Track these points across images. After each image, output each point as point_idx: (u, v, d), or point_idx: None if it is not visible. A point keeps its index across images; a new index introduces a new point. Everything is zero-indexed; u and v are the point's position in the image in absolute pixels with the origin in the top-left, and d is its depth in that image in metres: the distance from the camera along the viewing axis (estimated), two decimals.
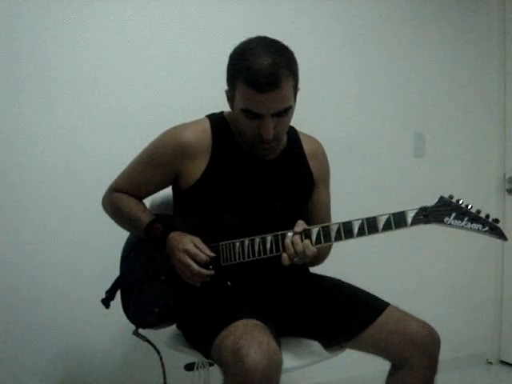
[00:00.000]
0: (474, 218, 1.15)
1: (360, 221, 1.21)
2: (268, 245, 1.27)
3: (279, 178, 1.44)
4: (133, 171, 1.48)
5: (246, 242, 1.29)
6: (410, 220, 1.18)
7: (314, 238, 1.24)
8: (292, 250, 1.23)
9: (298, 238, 1.24)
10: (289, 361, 1.31)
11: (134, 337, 1.43)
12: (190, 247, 1.29)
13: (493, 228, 1.15)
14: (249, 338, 1.14)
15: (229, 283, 1.37)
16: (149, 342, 1.44)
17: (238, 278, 1.37)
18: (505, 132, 2.78)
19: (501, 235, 1.16)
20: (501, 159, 2.79)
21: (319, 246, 1.24)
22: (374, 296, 1.44)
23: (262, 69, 1.21)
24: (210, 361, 1.30)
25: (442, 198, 1.19)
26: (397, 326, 1.34)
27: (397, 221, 1.19)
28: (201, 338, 1.33)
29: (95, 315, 1.89)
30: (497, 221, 1.16)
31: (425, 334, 1.33)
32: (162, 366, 1.46)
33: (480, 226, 1.15)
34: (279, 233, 1.27)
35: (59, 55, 1.94)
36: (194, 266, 1.27)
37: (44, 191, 1.92)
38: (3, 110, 1.87)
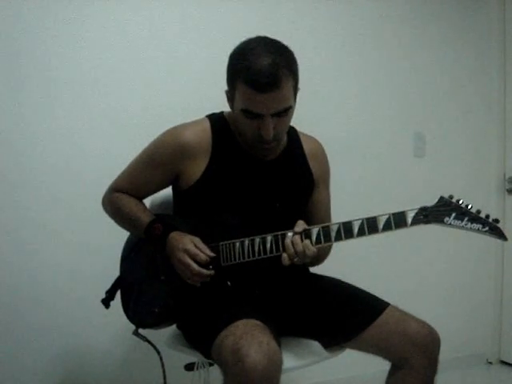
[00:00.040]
0: (474, 218, 1.15)
1: (360, 221, 1.21)
2: (268, 245, 1.27)
3: (279, 178, 1.44)
4: (133, 171, 1.48)
5: (246, 242, 1.29)
6: (409, 220, 1.18)
7: (314, 238, 1.24)
8: (292, 250, 1.23)
9: (298, 237, 1.24)
10: (289, 361, 1.31)
11: (134, 337, 1.43)
12: (190, 247, 1.29)
13: (493, 228, 1.15)
14: (249, 338, 1.14)
15: (229, 283, 1.37)
16: (149, 342, 1.44)
17: (237, 277, 1.37)
18: (505, 132, 2.78)
19: (501, 235, 1.16)
20: (501, 159, 2.79)
21: (319, 246, 1.24)
22: (374, 296, 1.44)
23: (261, 69, 1.21)
24: (210, 361, 1.30)
25: (441, 198, 1.19)
26: (397, 326, 1.34)
27: (397, 221, 1.19)
28: (201, 337, 1.33)
29: (95, 315, 1.89)
30: (497, 221, 1.16)
31: (425, 333, 1.33)
32: (162, 366, 1.46)
33: (480, 226, 1.15)
34: (279, 233, 1.27)
35: (59, 55, 1.94)
36: (194, 265, 1.27)
37: (44, 191, 1.92)
38: (3, 110, 1.87)
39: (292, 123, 1.39)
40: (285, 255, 1.24)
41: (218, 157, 1.39)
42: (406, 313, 1.38)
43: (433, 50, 2.64)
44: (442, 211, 1.18)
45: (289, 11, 2.31)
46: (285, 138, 1.45)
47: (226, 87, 1.34)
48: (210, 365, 1.48)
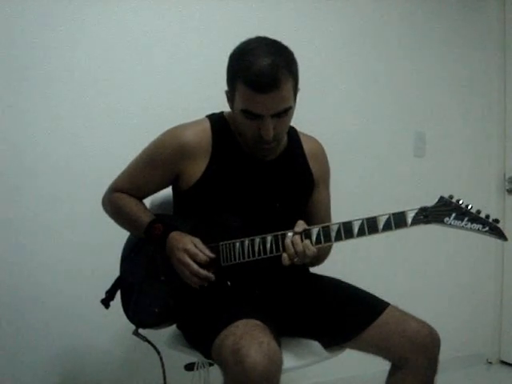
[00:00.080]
0: (474, 218, 1.15)
1: (360, 221, 1.21)
2: (268, 245, 1.27)
3: (279, 178, 1.44)
4: (133, 171, 1.48)
5: (246, 242, 1.29)
6: (409, 220, 1.18)
7: (314, 238, 1.24)
8: (292, 250, 1.23)
9: (298, 238, 1.24)
10: (289, 361, 1.31)
11: (134, 337, 1.44)
12: (190, 247, 1.29)
13: (493, 228, 1.15)
14: (249, 338, 1.14)
15: (229, 283, 1.37)
16: (149, 342, 1.44)
17: (237, 277, 1.37)
18: (505, 132, 2.78)
19: (501, 235, 1.16)
20: (501, 159, 2.79)
21: (319, 246, 1.24)
22: (374, 296, 1.44)
23: (261, 69, 1.21)
24: (210, 361, 1.30)
25: (441, 198, 1.19)
26: (397, 326, 1.34)
27: (397, 221, 1.19)
28: (201, 338, 1.33)
29: (95, 315, 1.88)
30: (497, 221, 1.16)
31: (425, 334, 1.33)
32: (162, 366, 1.46)
33: (480, 226, 1.15)
34: (279, 233, 1.27)
35: (59, 55, 1.94)
36: (194, 265, 1.27)
37: (44, 191, 1.92)
38: (3, 110, 1.87)
39: (292, 123, 1.39)
40: (285, 255, 1.24)
41: (218, 157, 1.39)
42: (405, 313, 1.38)
43: (433, 50, 2.64)
44: (442, 211, 1.18)
45: (289, 11, 2.31)
46: (285, 138, 1.45)
47: (226, 87, 1.34)
48: (210, 365, 1.48)
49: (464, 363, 2.69)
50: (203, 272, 1.28)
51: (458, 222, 1.16)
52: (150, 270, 1.41)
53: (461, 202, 1.17)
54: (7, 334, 1.88)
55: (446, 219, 1.17)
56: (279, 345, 1.22)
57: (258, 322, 1.22)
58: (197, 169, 1.38)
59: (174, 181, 1.44)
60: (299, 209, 1.48)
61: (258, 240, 1.29)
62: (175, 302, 1.36)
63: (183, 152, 1.38)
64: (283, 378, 1.17)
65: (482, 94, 2.77)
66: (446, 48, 2.67)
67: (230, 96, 1.33)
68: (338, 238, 1.22)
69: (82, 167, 1.97)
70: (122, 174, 1.50)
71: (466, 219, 1.16)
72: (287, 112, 1.29)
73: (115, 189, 1.50)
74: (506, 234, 1.16)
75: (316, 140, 1.56)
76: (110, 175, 1.51)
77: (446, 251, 2.67)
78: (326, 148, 1.57)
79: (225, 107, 1.40)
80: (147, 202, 1.54)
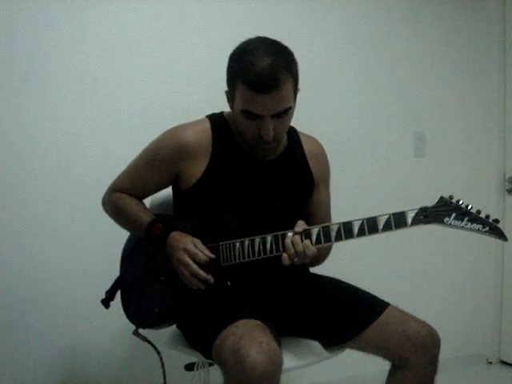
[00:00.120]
0: (474, 218, 1.16)
1: (360, 221, 1.21)
2: (268, 245, 1.27)
3: (279, 178, 1.44)
4: (133, 171, 1.48)
5: (246, 242, 1.29)
6: (409, 220, 1.18)
7: (314, 238, 1.24)
8: (292, 250, 1.23)
9: (298, 237, 1.24)
10: (289, 361, 1.31)
11: (134, 337, 1.44)
12: (190, 247, 1.29)
13: (493, 228, 1.15)
14: (249, 338, 1.14)
15: (229, 283, 1.37)
16: (149, 342, 1.44)
17: (238, 277, 1.37)
18: (505, 132, 2.78)
19: (501, 235, 1.16)
20: (501, 159, 2.79)
21: (319, 246, 1.24)
22: (374, 296, 1.44)
23: (261, 70, 1.21)
24: (210, 361, 1.30)
25: (442, 198, 1.19)
26: (397, 326, 1.34)
27: (397, 221, 1.19)
28: (201, 338, 1.33)
29: (95, 315, 1.89)
30: (497, 221, 1.16)
31: (425, 334, 1.33)
32: (162, 366, 1.46)
33: (480, 226, 1.15)
34: (279, 233, 1.27)
35: (59, 55, 1.94)
36: (193, 265, 1.27)
37: (44, 191, 1.92)
38: (3, 110, 1.87)
39: (292, 123, 1.39)
40: (285, 255, 1.24)
41: (218, 157, 1.39)
42: (405, 313, 1.38)
43: (433, 50, 2.64)
44: (442, 211, 1.18)
45: (289, 11, 2.31)
46: (285, 138, 1.45)
47: (225, 87, 1.34)
48: (210, 365, 1.48)
49: (464, 363, 2.69)
50: (202, 273, 1.27)
51: (458, 222, 1.16)
52: (150, 270, 1.41)
53: (461, 202, 1.17)
54: (7, 334, 1.88)
55: (446, 219, 1.17)
56: (279, 345, 1.22)
57: (258, 322, 1.22)
58: (197, 169, 1.38)
59: (174, 181, 1.44)
60: (299, 209, 1.48)
61: (258, 240, 1.28)
62: (175, 302, 1.36)
63: (183, 152, 1.37)
64: (283, 378, 1.17)
65: (482, 94, 2.77)
66: (446, 48, 2.67)
67: (230, 96, 1.33)
68: (338, 238, 1.22)
69: (82, 167, 1.97)
70: (122, 174, 1.50)
71: (466, 219, 1.16)
72: (287, 112, 1.29)
73: (115, 189, 1.50)
74: (506, 233, 1.16)
75: (316, 140, 1.56)
76: (109, 175, 1.51)
77: (446, 251, 2.67)
78: (325, 148, 1.57)
79: (225, 107, 1.40)
80: (147, 201, 1.54)
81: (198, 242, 1.31)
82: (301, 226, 1.26)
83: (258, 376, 1.09)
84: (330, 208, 1.58)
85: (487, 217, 1.16)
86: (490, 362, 2.81)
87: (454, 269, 2.71)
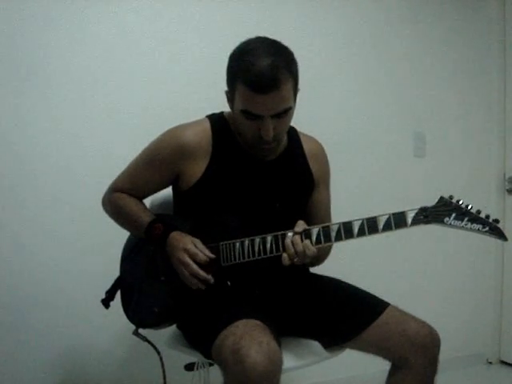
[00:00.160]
0: (474, 218, 1.16)
1: (360, 221, 1.21)
2: (268, 245, 1.27)
3: (279, 178, 1.44)
4: (133, 171, 1.48)
5: (246, 242, 1.29)
6: (409, 220, 1.18)
7: (314, 238, 1.24)
8: (292, 250, 1.23)
9: (298, 237, 1.24)
10: (289, 361, 1.31)
11: (134, 337, 1.44)
12: (190, 247, 1.29)
13: (493, 228, 1.15)
14: (249, 338, 1.14)
15: (229, 283, 1.37)
16: (149, 342, 1.44)
17: (238, 277, 1.37)
18: (505, 132, 2.78)
19: (501, 235, 1.16)
20: (501, 159, 2.79)
21: (319, 246, 1.24)
22: (374, 296, 1.44)
23: (261, 70, 1.21)
24: (210, 361, 1.30)
25: (442, 198, 1.19)
26: (397, 326, 1.34)
27: (397, 221, 1.19)
28: (201, 338, 1.33)
29: (95, 315, 1.89)
30: (497, 221, 1.16)
31: (425, 334, 1.33)
32: (162, 365, 1.46)
33: (480, 226, 1.15)
34: (279, 233, 1.27)
35: (59, 55, 1.94)
36: (193, 265, 1.28)
37: (44, 191, 1.92)
38: (3, 110, 1.87)
39: (292, 123, 1.39)
40: (285, 255, 1.24)
41: (219, 157, 1.39)
42: (405, 313, 1.38)
43: (433, 49, 2.64)
44: (442, 211, 1.18)
45: (289, 11, 2.31)
46: (285, 139, 1.45)
47: (225, 87, 1.34)
48: (210, 365, 1.48)
49: (464, 363, 2.69)
50: (202, 273, 1.28)
51: (458, 222, 1.16)
52: (150, 270, 1.41)
53: (461, 202, 1.17)
54: (7, 334, 1.88)
55: (446, 219, 1.17)
56: (279, 345, 1.22)
57: (258, 322, 1.22)
58: (197, 169, 1.38)
59: (174, 181, 1.44)
60: (299, 209, 1.48)
61: (258, 240, 1.29)
62: (175, 302, 1.36)
63: (183, 152, 1.37)
64: (283, 378, 1.17)
65: (482, 94, 2.77)
66: (446, 48, 2.67)
67: (230, 96, 1.33)
68: (338, 238, 1.22)
69: (82, 167, 1.97)
70: (122, 173, 1.50)
71: (466, 219, 1.16)
72: (287, 112, 1.29)
73: (115, 189, 1.50)
74: (506, 234, 1.16)
75: (316, 140, 1.56)
76: (109, 175, 1.51)
77: (446, 251, 2.67)
78: (325, 148, 1.57)
79: (225, 107, 1.40)
80: (147, 201, 1.54)
81: (198, 242, 1.31)
82: (301, 225, 1.26)
83: (258, 376, 1.09)
84: (330, 208, 1.58)
85: (487, 217, 1.16)
86: (490, 362, 2.81)
87: (454, 269, 2.71)
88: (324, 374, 2.31)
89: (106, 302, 1.48)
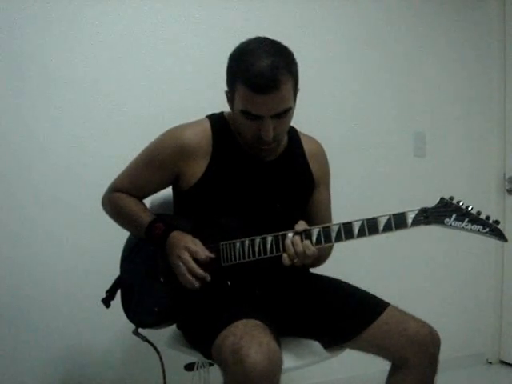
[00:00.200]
0: (475, 219, 1.16)
1: (360, 222, 1.21)
2: (268, 245, 1.27)
3: (279, 178, 1.44)
4: (133, 171, 1.48)
5: (247, 242, 1.29)
6: (410, 221, 1.18)
7: (314, 238, 1.24)
8: (292, 250, 1.23)
9: (298, 238, 1.24)
10: (289, 361, 1.31)
11: (134, 337, 1.44)
12: (191, 245, 1.29)
13: (493, 229, 1.15)
14: (249, 338, 1.14)
15: (229, 283, 1.37)
16: (149, 342, 1.44)
17: (238, 277, 1.37)
18: (505, 132, 2.78)
19: (501, 236, 1.16)
20: (501, 159, 2.79)
21: (319, 246, 1.24)
22: (374, 296, 1.44)
23: (261, 70, 1.21)
24: (210, 361, 1.30)
25: (442, 199, 1.19)
26: (397, 326, 1.34)
27: (397, 222, 1.19)
28: (201, 338, 1.33)
29: (95, 315, 1.89)
30: (497, 222, 1.16)
31: (425, 333, 1.33)
32: (162, 365, 1.46)
33: (480, 227, 1.15)
34: (279, 233, 1.27)
35: (59, 55, 1.94)
36: (192, 262, 1.28)
37: (44, 191, 1.92)
38: (3, 110, 1.87)
39: (292, 123, 1.39)
40: (285, 255, 1.24)
41: (219, 157, 1.39)
42: (405, 313, 1.38)
43: (433, 50, 2.64)
44: (442, 212, 1.18)
45: (289, 12, 2.31)
46: (285, 139, 1.45)
47: (225, 87, 1.34)
48: (210, 365, 1.48)
49: (464, 363, 2.69)
50: (199, 270, 1.28)
51: (458, 223, 1.16)
52: (149, 270, 1.41)
53: (461, 203, 1.17)
54: (7, 334, 1.88)
55: (447, 220, 1.17)
56: (279, 345, 1.22)
57: (257, 322, 1.22)
58: (197, 169, 1.38)
59: (175, 181, 1.44)
60: (299, 209, 1.48)
61: (258, 240, 1.29)
62: (175, 301, 1.36)
63: (183, 152, 1.37)
64: (283, 378, 1.17)
65: (481, 94, 2.77)
66: (446, 48, 2.67)
67: (230, 96, 1.33)
68: (339, 238, 1.23)
69: (81, 167, 1.97)
70: (122, 174, 1.50)
71: (466, 220, 1.16)
72: (287, 113, 1.29)
73: (115, 189, 1.50)
74: (506, 234, 1.17)
75: (316, 140, 1.56)
76: (109, 175, 1.51)
77: (446, 251, 2.67)
78: (326, 148, 1.57)
79: (225, 107, 1.40)
80: (147, 201, 1.54)
81: (198, 242, 1.31)
82: (301, 226, 1.26)
83: (258, 376, 1.09)
84: (330, 208, 1.58)
85: (487, 218, 1.16)
86: (490, 362, 2.81)
87: (454, 269, 2.71)
88: (324, 373, 2.31)
89: (107, 301, 1.48)
